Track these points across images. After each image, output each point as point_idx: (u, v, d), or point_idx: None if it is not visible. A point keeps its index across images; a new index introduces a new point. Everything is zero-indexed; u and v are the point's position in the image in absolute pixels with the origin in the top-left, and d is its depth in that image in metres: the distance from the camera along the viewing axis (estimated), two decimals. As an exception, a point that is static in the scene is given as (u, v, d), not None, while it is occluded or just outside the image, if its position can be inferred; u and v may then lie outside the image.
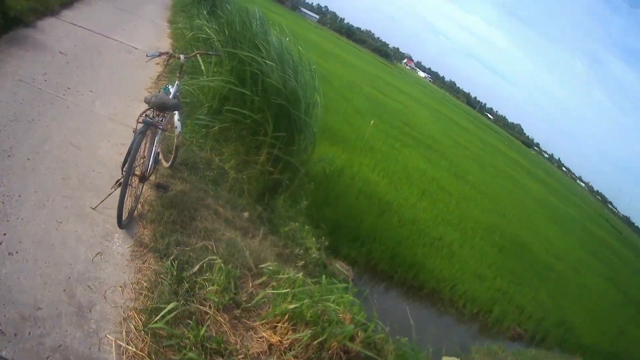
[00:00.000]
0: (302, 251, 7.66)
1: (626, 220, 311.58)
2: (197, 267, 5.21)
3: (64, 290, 4.20)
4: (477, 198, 26.67)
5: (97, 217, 5.34)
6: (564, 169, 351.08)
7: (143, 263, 5.03)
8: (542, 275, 21.17)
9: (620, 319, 25.62)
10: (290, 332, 4.97)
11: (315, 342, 4.90)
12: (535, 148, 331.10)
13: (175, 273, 4.94)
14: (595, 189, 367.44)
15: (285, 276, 5.75)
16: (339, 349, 5.05)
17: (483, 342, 13.04)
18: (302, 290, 5.45)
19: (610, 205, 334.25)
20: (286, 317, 5.05)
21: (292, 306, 5.07)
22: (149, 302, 4.51)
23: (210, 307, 4.85)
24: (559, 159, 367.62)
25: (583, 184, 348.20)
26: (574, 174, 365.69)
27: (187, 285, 4.91)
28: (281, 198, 8.73)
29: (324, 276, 6.20)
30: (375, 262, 12.77)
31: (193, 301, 4.80)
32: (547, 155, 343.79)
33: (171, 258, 5.13)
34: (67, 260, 4.55)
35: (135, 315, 4.31)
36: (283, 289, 5.44)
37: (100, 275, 4.60)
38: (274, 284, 5.63)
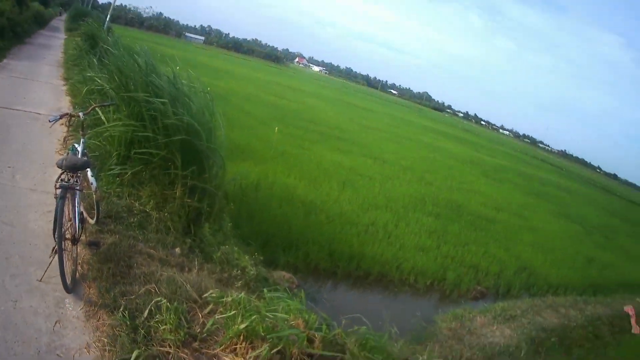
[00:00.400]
0: (239, 272, 7.97)
1: (563, 154, 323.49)
2: (146, 312, 5.48)
3: (39, 364, 4.44)
4: (400, 174, 27.34)
5: (46, 288, 5.62)
6: (482, 123, 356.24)
7: (97, 321, 5.31)
8: (487, 230, 21.91)
9: (585, 249, 27.03)
10: (250, 350, 5.25)
11: (275, 353, 5.21)
12: (448, 110, 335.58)
13: (128, 323, 5.20)
14: (521, 133, 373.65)
15: (230, 299, 6.00)
16: (300, 355, 5.37)
17: (446, 310, 13.44)
18: (248, 308, 5.72)
19: (542, 145, 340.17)
20: (241, 337, 5.34)
21: (242, 325, 5.36)
22: (114, 357, 4.81)
23: (170, 347, 5.12)
24: (475, 114, 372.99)
25: (507, 132, 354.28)
26: (494, 125, 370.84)
27: (142, 331, 5.17)
28: (206, 226, 9.02)
29: (265, 290, 6.57)
30: (314, 263, 13.13)
31: (153, 344, 5.07)
32: (461, 115, 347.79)
33: (121, 310, 5.38)
34: (32, 335, 4.84)
35: (107, 373, 4.51)
36: (230, 312, 5.69)
37: (64, 341, 4.89)
38: (221, 309, 5.89)
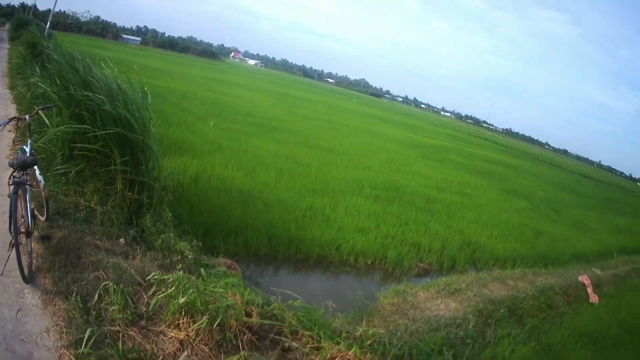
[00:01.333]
0: (179, 257, 8.54)
1: (508, 132, 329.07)
2: (96, 295, 6.03)
3: (6, 349, 5.06)
4: (337, 160, 27.81)
5: (6, 281, 6.15)
6: (423, 106, 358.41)
7: (54, 307, 5.82)
8: (428, 209, 22.51)
9: (534, 223, 27.84)
10: (191, 323, 5.78)
11: (215, 325, 5.75)
12: (387, 96, 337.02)
13: (81, 306, 5.75)
14: (463, 114, 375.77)
15: (170, 279, 6.58)
16: (239, 326, 5.92)
17: (387, 288, 13.72)
18: (187, 285, 6.30)
19: (486, 124, 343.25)
20: (182, 312, 5.87)
21: (182, 300, 5.91)
22: (71, 337, 5.32)
23: (119, 325, 5.66)
24: (415, 98, 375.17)
25: (448, 114, 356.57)
26: (435, 107, 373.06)
27: (94, 313, 5.73)
28: (147, 216, 9.56)
29: (201, 269, 7.30)
30: (254, 249, 13.58)
31: (104, 324, 5.62)
32: (400, 99, 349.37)
33: (74, 295, 5.93)
34: (-3, 324, 5.41)
35: (65, 351, 5.12)
36: (171, 290, 6.27)
37: (27, 327, 5.42)
38: (163, 289, 6.43)
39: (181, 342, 5.59)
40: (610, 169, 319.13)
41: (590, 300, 17.96)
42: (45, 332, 5.38)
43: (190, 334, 5.65)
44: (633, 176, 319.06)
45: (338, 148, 32.65)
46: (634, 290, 21.75)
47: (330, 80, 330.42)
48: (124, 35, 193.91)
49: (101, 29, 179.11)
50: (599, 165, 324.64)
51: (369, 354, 6.06)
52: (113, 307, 5.85)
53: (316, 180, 21.20)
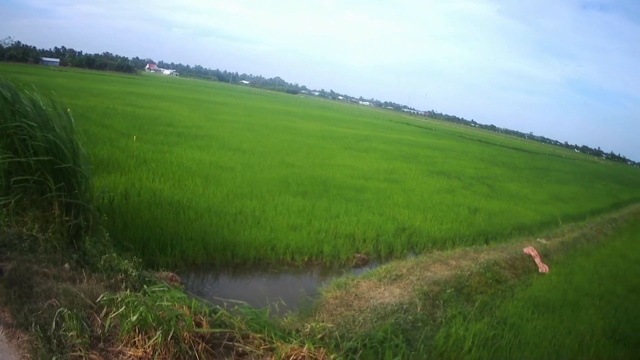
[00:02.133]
0: (123, 275, 8.82)
1: (431, 114, 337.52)
2: (53, 323, 6.21)
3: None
4: (260, 161, 28.03)
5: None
6: (340, 97, 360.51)
7: (17, 340, 6.00)
8: (357, 200, 22.78)
9: (468, 201, 28.56)
10: (146, 340, 6.04)
11: (170, 339, 6.01)
12: (303, 91, 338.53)
13: (42, 336, 5.95)
14: (382, 101, 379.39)
15: (119, 298, 6.77)
16: (192, 337, 6.19)
17: (328, 282, 13.74)
18: (136, 303, 6.49)
19: (407, 109, 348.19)
20: (137, 330, 6.12)
21: (134, 318, 6.16)
22: (38, 366, 5.56)
23: (80, 350, 5.88)
24: (332, 90, 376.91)
25: (367, 103, 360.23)
26: (352, 98, 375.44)
27: (55, 341, 5.94)
28: (86, 239, 9.73)
29: (145, 286, 7.55)
30: (192, 258, 13.72)
31: (66, 351, 5.83)
32: (317, 93, 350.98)
33: (33, 325, 6.11)
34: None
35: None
36: (121, 309, 6.45)
37: (-3, 360, 5.64)
38: (114, 309, 6.62)
39: (140, 359, 5.84)
40: (543, 139, 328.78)
41: (540, 271, 18.31)
42: (14, 365, 5.58)
43: (148, 351, 5.91)
44: (569, 143, 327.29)
45: (260, 149, 32.94)
46: (586, 255, 22.48)
47: (245, 82, 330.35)
48: (44, 58, 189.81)
49: (22, 54, 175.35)
50: (531, 137, 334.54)
51: (322, 348, 6.29)
52: (71, 333, 6.06)
53: (242, 184, 21.42)
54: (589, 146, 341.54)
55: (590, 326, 13.35)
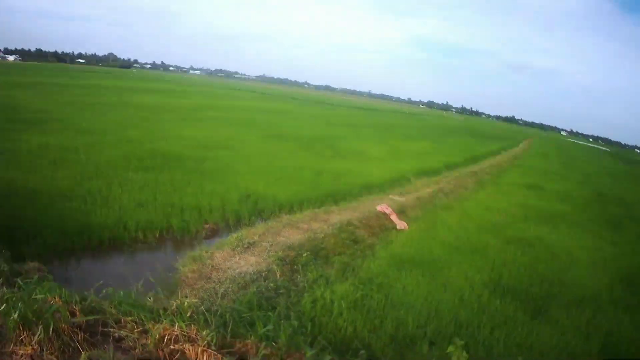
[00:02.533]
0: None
1: (261, 78, 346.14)
2: None
3: None
4: (100, 139, 28.03)
5: None
6: (171, 68, 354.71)
7: None
8: (198, 170, 23.17)
9: (311, 163, 29.26)
10: (32, 336, 5.82)
11: (52, 333, 5.87)
12: (136, 65, 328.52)
13: None
14: (213, 69, 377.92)
15: (-1, 297, 6.84)
16: (70, 328, 6.09)
17: (183, 256, 13.99)
18: (13, 299, 6.37)
19: (238, 75, 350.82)
20: (21, 327, 5.87)
21: (16, 315, 5.92)
22: None
23: (-25, 356, 5.89)
24: (162, 62, 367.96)
25: (197, 72, 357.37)
26: (183, 67, 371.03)
27: None
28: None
29: (18, 280, 7.56)
30: (53, 246, 13.43)
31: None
32: (149, 66, 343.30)
33: None
34: None
35: None
36: (2, 307, 6.25)
37: None
38: (-6, 308, 6.68)
39: (32, 357, 5.67)
40: (383, 96, 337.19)
41: (398, 228, 18.73)
42: None
43: (35, 347, 5.75)
44: (412, 99, 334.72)
45: (99, 127, 32.50)
46: (447, 209, 23.21)
47: (80, 60, 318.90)
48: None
49: None
50: (370, 95, 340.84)
51: (192, 325, 6.48)
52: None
53: (87, 164, 21.25)
54: (435, 101, 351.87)
55: (468, 281, 13.83)
